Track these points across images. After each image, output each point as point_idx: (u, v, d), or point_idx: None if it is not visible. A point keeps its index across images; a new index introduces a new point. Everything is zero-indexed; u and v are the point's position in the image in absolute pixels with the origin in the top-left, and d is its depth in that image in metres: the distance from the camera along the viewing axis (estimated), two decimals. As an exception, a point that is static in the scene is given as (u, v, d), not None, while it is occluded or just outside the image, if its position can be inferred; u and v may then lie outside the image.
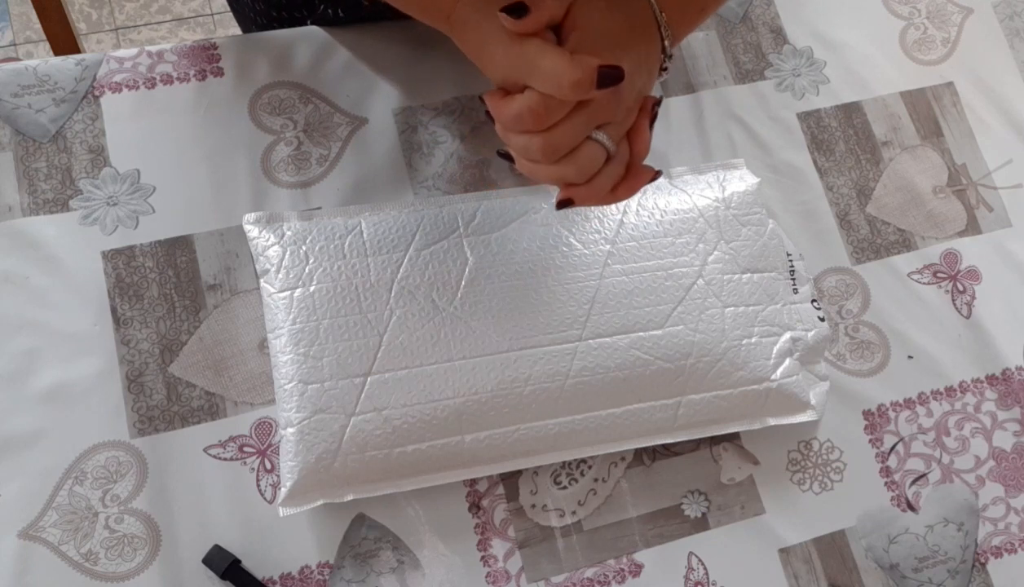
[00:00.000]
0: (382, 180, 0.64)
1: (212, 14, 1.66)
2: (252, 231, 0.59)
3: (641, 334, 0.59)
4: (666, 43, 0.50)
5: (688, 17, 0.52)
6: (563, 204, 0.49)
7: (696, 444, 0.62)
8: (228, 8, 1.63)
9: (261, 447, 0.58)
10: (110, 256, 0.60)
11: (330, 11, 0.68)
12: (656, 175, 0.50)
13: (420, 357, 0.56)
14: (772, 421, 0.61)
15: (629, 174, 0.50)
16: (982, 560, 0.63)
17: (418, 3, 0.53)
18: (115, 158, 0.62)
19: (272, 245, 0.58)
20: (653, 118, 0.50)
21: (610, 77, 0.44)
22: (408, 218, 0.60)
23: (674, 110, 0.70)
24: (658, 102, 0.51)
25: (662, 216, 0.62)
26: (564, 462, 0.60)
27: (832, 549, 0.62)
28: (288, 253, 0.58)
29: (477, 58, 0.49)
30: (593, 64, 0.44)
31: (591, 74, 0.44)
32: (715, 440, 0.62)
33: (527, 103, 0.45)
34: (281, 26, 0.70)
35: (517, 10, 0.45)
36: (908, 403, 0.66)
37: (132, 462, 0.56)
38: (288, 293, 0.57)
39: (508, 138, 0.48)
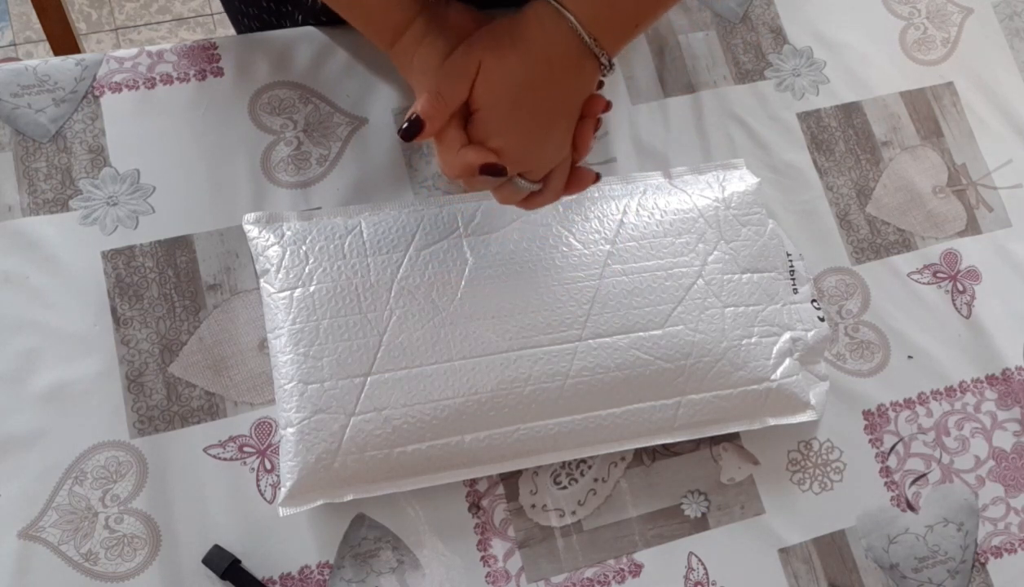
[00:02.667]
0: (382, 180, 0.64)
1: (212, 14, 1.66)
2: (252, 231, 0.59)
3: (641, 334, 0.59)
4: (602, 60, 0.50)
5: (623, 34, 0.51)
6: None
7: (696, 444, 0.62)
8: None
9: (261, 447, 0.58)
10: (110, 256, 0.60)
11: (299, 17, 0.68)
12: (596, 178, 0.54)
13: (420, 357, 0.56)
14: (772, 421, 0.61)
15: (571, 176, 0.53)
16: (982, 560, 0.63)
17: (368, 34, 0.55)
18: (115, 158, 0.62)
19: (272, 245, 0.58)
20: (598, 122, 0.53)
21: (492, 171, 0.49)
22: (408, 218, 0.60)
23: (674, 110, 0.70)
24: (607, 108, 0.52)
25: (662, 216, 0.62)
26: (564, 462, 0.60)
27: (832, 549, 0.62)
28: (288, 253, 0.58)
29: (410, 84, 0.53)
30: (476, 162, 0.49)
31: (473, 170, 0.49)
32: (715, 440, 0.62)
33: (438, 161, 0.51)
34: (265, 27, 0.70)
35: (409, 130, 0.49)
36: (908, 403, 0.66)
37: (132, 462, 0.56)
38: (288, 293, 0.57)
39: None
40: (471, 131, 0.50)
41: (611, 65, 0.50)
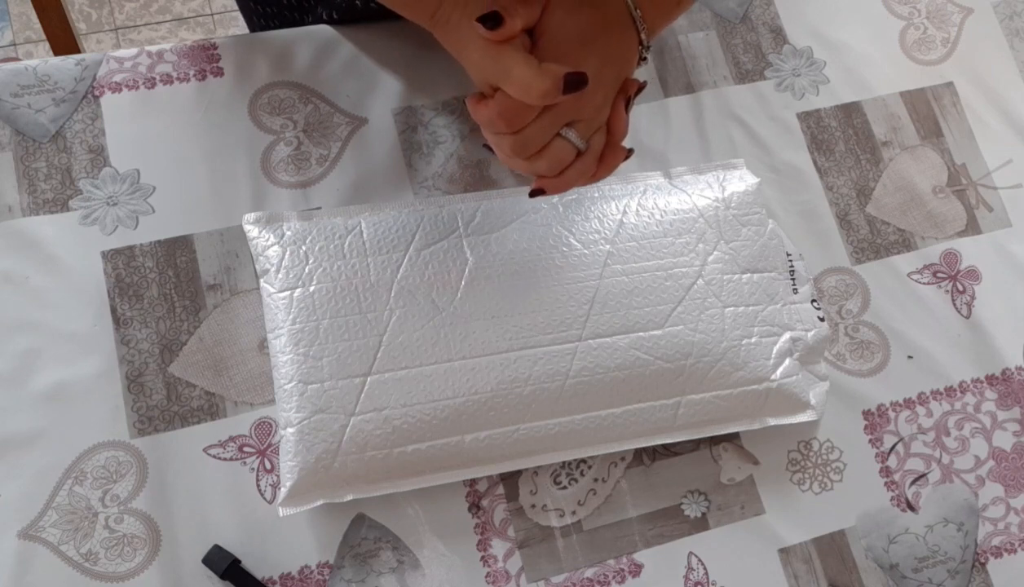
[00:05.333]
0: (382, 180, 0.64)
1: (212, 14, 1.66)
2: (252, 231, 0.59)
3: (641, 334, 0.59)
4: (642, 36, 0.52)
5: (664, 9, 0.54)
6: (535, 193, 0.53)
7: (696, 444, 0.62)
8: (228, 8, 1.64)
9: (261, 447, 0.58)
10: (110, 256, 0.60)
11: (324, 14, 0.68)
12: (629, 153, 0.54)
13: (420, 357, 0.56)
14: (772, 421, 0.61)
15: (606, 154, 0.53)
16: (982, 560, 0.63)
17: (403, 1, 0.54)
18: (115, 158, 0.62)
19: (272, 245, 0.58)
20: (629, 101, 0.53)
21: (575, 83, 0.47)
22: (408, 218, 0.60)
23: (674, 110, 0.70)
24: (641, 87, 0.53)
25: (662, 216, 0.62)
26: (564, 462, 0.60)
27: (832, 549, 0.62)
28: (288, 253, 0.58)
29: (458, 57, 0.52)
30: (559, 73, 0.47)
31: (558, 83, 0.47)
32: (715, 440, 0.62)
33: (498, 108, 0.49)
34: (285, 24, 0.70)
35: (491, 20, 0.48)
36: (908, 403, 0.66)
37: (132, 462, 0.56)
38: (288, 293, 0.57)
39: (487, 135, 0.52)
40: (536, 57, 0.49)
41: (647, 46, 0.52)
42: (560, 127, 0.50)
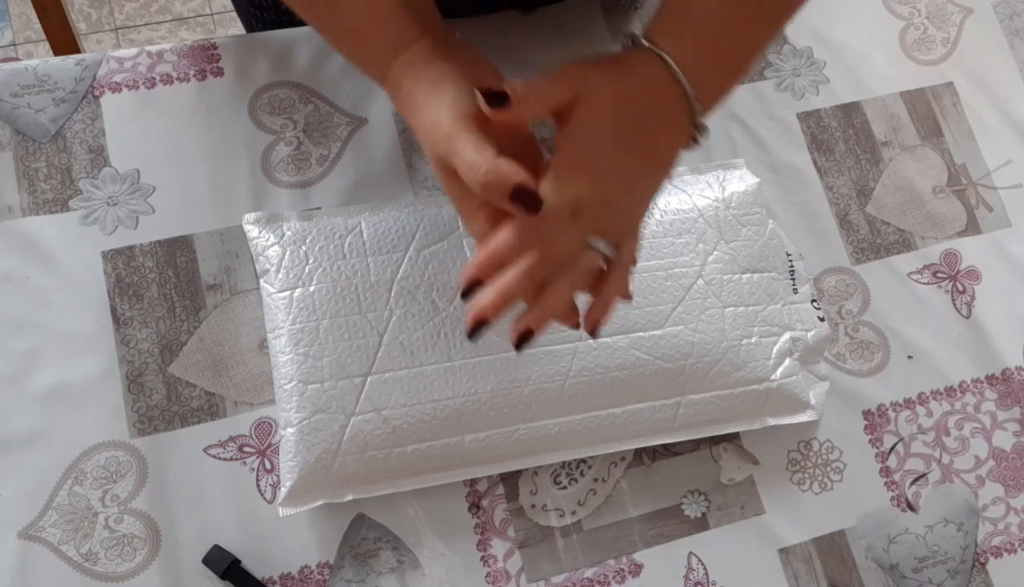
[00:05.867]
0: (382, 180, 0.64)
1: (212, 14, 1.66)
2: (252, 231, 0.59)
3: (641, 334, 0.59)
4: (698, 117, 0.46)
5: (722, 87, 0.48)
6: (522, 340, 0.45)
7: (696, 444, 0.62)
8: (228, 8, 1.64)
9: (261, 447, 0.58)
10: (110, 256, 0.60)
11: None
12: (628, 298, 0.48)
13: (420, 357, 0.56)
14: (772, 421, 0.61)
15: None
16: (982, 560, 0.63)
17: (356, 53, 0.51)
18: (115, 158, 0.62)
19: (272, 245, 0.58)
20: None
21: (525, 201, 0.41)
22: (408, 218, 0.60)
23: (674, 110, 0.70)
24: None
25: (662, 216, 0.62)
26: (564, 462, 0.60)
27: (832, 549, 0.62)
28: (288, 253, 0.58)
29: (409, 124, 0.47)
30: (510, 182, 0.41)
31: (504, 189, 0.41)
32: (715, 440, 0.62)
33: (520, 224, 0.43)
34: (282, 21, 0.70)
35: (496, 99, 0.42)
36: (908, 403, 0.66)
37: (132, 462, 0.56)
38: (288, 293, 0.57)
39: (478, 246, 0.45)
40: (556, 164, 0.43)
41: (704, 128, 0.47)
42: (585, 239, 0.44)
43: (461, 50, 0.48)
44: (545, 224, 0.43)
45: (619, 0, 0.72)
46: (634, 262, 0.47)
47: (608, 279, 0.45)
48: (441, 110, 0.45)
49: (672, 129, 0.46)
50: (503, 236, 0.43)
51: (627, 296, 0.47)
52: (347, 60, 0.53)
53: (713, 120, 0.70)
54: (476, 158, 0.42)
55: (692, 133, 0.47)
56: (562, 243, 0.43)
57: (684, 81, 0.45)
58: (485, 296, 0.43)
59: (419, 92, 0.46)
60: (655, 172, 0.46)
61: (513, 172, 0.41)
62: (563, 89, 0.44)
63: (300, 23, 0.70)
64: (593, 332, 0.46)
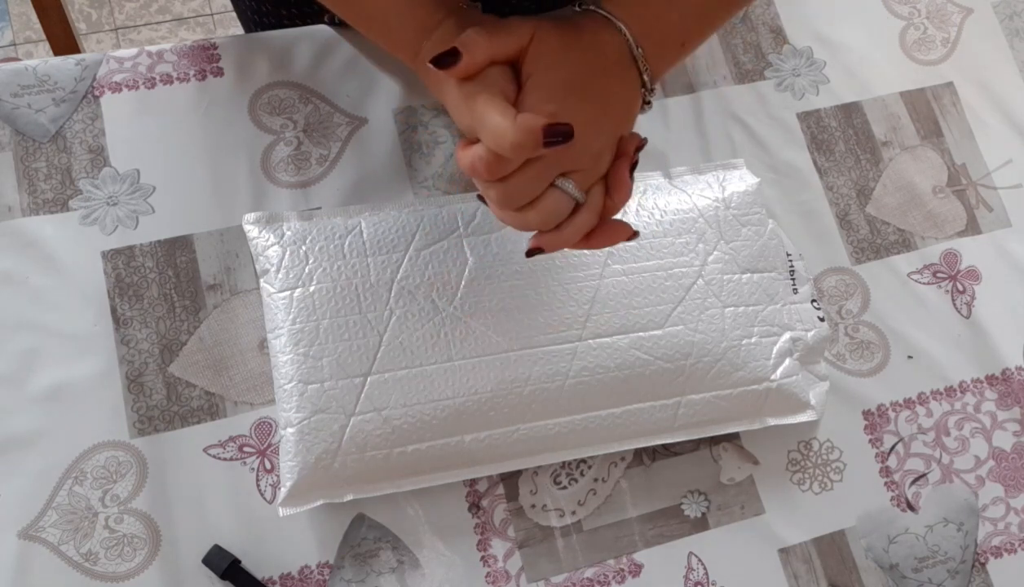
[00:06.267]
0: (382, 180, 0.64)
1: (212, 14, 1.66)
2: (252, 231, 0.59)
3: (641, 334, 0.59)
4: (645, 77, 0.48)
5: (668, 52, 0.50)
6: (532, 253, 0.48)
7: (696, 444, 0.62)
8: (228, 8, 1.64)
9: (261, 447, 0.58)
10: (110, 256, 0.60)
11: (327, 18, 0.68)
12: (634, 235, 0.49)
13: (420, 357, 0.56)
14: (772, 421, 0.61)
15: (604, 223, 0.48)
16: (982, 560, 0.63)
17: (386, 39, 0.53)
18: (115, 158, 0.62)
19: (272, 245, 0.58)
20: (634, 164, 0.48)
21: (558, 135, 0.43)
22: (408, 218, 0.60)
23: (674, 110, 0.70)
24: (641, 145, 0.49)
25: (662, 216, 0.62)
26: (564, 462, 0.60)
27: (832, 549, 0.62)
28: (288, 253, 0.58)
29: (441, 101, 0.49)
30: (538, 125, 0.42)
31: (536, 135, 0.42)
32: (715, 440, 0.62)
33: (477, 153, 0.45)
34: (287, 25, 0.70)
35: (447, 56, 0.44)
36: (908, 403, 0.66)
37: (132, 462, 0.56)
38: (288, 293, 0.57)
39: (477, 183, 0.48)
40: (521, 102, 0.45)
41: (652, 89, 0.49)
42: (553, 177, 0.46)
43: (486, 23, 0.49)
44: (500, 159, 0.44)
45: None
46: (615, 210, 0.48)
47: (573, 220, 0.47)
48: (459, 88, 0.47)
49: (625, 82, 0.48)
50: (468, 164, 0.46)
51: (630, 234, 0.49)
52: (376, 44, 0.54)
53: (713, 120, 0.71)
54: (500, 121, 0.43)
55: (643, 94, 0.49)
56: (521, 179, 0.45)
57: (631, 40, 0.47)
58: None
59: (444, 82, 0.47)
60: (615, 122, 0.48)
61: (533, 119, 0.43)
62: (510, 37, 0.46)
63: (300, 25, 0.70)
64: (529, 252, 0.49)
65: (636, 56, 0.48)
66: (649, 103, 0.50)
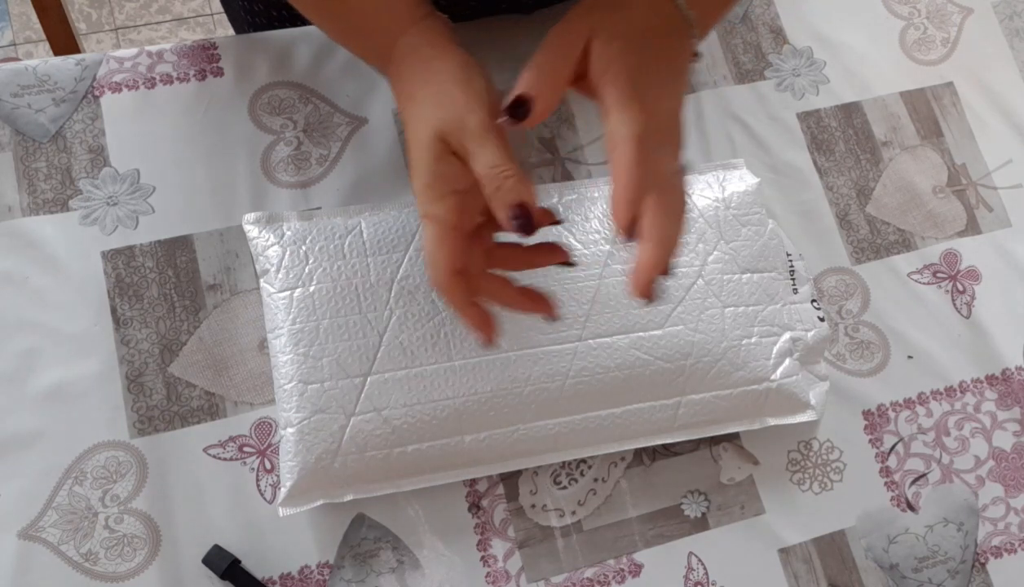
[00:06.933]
0: (382, 180, 0.64)
1: (212, 14, 1.66)
2: (252, 231, 0.59)
3: (641, 334, 0.59)
4: (695, 35, 0.48)
5: (715, 8, 0.51)
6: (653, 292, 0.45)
7: (696, 444, 0.62)
8: (228, 8, 1.63)
9: (261, 447, 0.58)
10: (110, 256, 0.60)
11: None
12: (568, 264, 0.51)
13: (420, 357, 0.56)
14: (772, 421, 0.61)
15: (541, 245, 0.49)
16: (982, 560, 0.63)
17: (358, 37, 0.52)
18: (115, 158, 0.62)
19: (272, 245, 0.58)
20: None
21: (523, 220, 0.44)
22: (408, 218, 0.60)
23: (674, 110, 0.70)
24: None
25: (662, 216, 0.62)
26: (564, 462, 0.60)
27: (832, 549, 0.62)
28: (288, 253, 0.58)
29: (411, 90, 0.48)
30: (521, 195, 0.43)
31: (514, 198, 0.43)
32: (715, 440, 0.62)
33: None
34: (277, 26, 0.70)
35: (517, 111, 0.44)
36: (908, 403, 0.66)
37: (132, 462, 0.56)
38: (288, 293, 0.57)
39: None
40: (608, 107, 0.44)
41: (700, 54, 0.49)
42: (662, 160, 0.45)
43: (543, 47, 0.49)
44: (647, 164, 0.43)
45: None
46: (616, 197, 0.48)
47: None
48: (456, 87, 0.46)
49: (680, 49, 0.48)
50: (622, 183, 0.43)
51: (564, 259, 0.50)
52: (343, 36, 0.53)
53: (713, 120, 0.71)
54: (501, 160, 0.44)
55: (691, 50, 0.49)
56: (662, 171, 0.44)
57: (681, 3, 0.47)
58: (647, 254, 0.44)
59: (434, 58, 0.47)
60: (680, 93, 0.47)
61: (527, 188, 0.43)
62: (570, 48, 0.45)
63: (294, 25, 0.70)
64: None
65: (686, 14, 0.47)
66: (697, 54, 0.50)
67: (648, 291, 0.43)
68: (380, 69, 0.53)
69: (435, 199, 0.46)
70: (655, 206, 0.43)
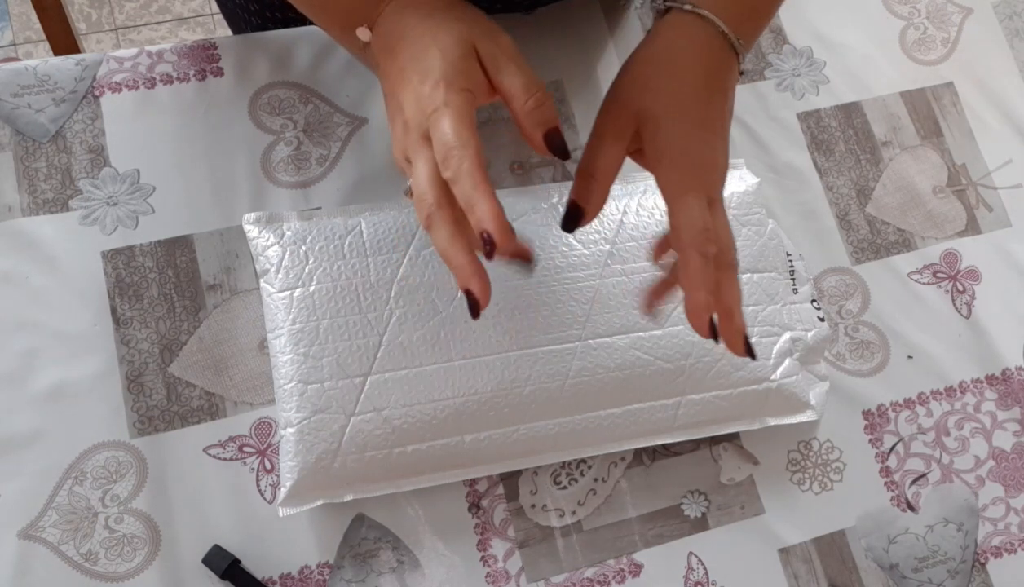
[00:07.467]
0: (382, 180, 0.64)
1: (212, 14, 1.66)
2: (252, 231, 0.59)
3: (641, 334, 0.59)
4: (742, 56, 0.50)
5: (758, 26, 0.52)
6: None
7: (696, 444, 0.62)
8: (228, 8, 1.63)
9: (261, 447, 0.58)
10: (110, 256, 0.60)
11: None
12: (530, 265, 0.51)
13: (420, 357, 0.56)
14: (772, 421, 0.61)
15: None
16: (982, 560, 0.63)
17: (336, 11, 0.51)
18: (115, 158, 0.62)
19: (272, 245, 0.58)
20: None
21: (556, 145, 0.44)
22: (408, 218, 0.60)
23: (674, 110, 0.70)
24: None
25: (662, 216, 0.62)
26: (564, 462, 0.60)
27: (832, 549, 0.62)
28: (288, 253, 0.58)
29: (399, 69, 0.46)
30: (554, 121, 0.44)
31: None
32: (715, 440, 0.62)
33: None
34: (274, 26, 0.70)
35: (571, 224, 0.45)
36: (908, 403, 0.66)
37: (132, 462, 0.56)
38: (288, 293, 0.57)
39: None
40: (667, 197, 0.46)
41: (743, 71, 0.51)
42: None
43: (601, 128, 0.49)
44: (709, 237, 0.45)
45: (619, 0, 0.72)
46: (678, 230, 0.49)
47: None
48: (478, 13, 0.46)
49: (730, 79, 0.49)
50: (694, 274, 0.45)
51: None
52: (325, 16, 0.52)
53: (713, 120, 0.70)
54: (537, 84, 0.44)
55: (738, 68, 0.50)
56: (719, 236, 0.46)
57: (727, 31, 0.48)
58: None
59: (436, 8, 0.46)
60: (728, 127, 0.49)
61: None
62: (621, 132, 0.46)
63: (291, 25, 0.70)
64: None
65: (733, 42, 0.48)
66: (742, 72, 0.51)
67: (747, 348, 0.46)
68: (364, 53, 0.52)
69: (456, 90, 0.44)
70: (724, 283, 0.46)
